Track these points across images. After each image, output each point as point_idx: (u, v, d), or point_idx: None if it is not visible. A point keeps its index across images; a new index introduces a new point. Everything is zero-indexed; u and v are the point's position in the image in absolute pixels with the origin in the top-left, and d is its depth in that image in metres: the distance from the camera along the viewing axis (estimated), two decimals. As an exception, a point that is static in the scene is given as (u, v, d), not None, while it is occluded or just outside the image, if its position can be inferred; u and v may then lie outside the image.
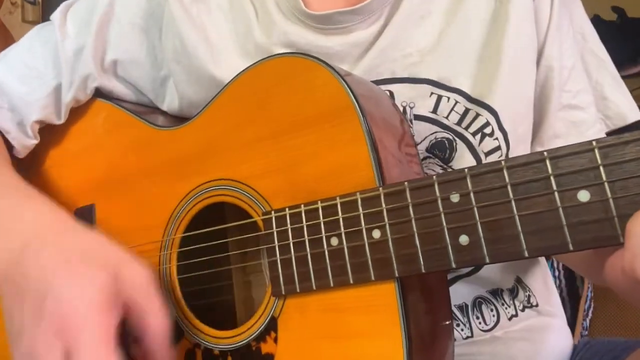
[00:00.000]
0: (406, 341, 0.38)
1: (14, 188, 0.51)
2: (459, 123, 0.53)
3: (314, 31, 0.54)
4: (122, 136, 0.58)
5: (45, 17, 1.59)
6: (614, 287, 0.34)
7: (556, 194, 0.34)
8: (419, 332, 0.40)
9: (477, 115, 0.53)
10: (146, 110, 0.61)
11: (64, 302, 0.38)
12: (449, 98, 0.52)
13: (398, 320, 0.39)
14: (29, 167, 0.63)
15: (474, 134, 0.53)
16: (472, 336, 0.54)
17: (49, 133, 0.62)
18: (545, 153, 0.34)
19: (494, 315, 0.55)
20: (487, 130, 0.53)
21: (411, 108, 0.53)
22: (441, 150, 0.53)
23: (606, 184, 0.32)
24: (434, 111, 0.53)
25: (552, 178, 0.34)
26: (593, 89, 0.58)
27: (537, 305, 0.58)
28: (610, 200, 0.32)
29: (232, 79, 0.51)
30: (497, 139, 0.53)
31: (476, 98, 0.53)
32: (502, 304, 0.56)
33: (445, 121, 0.53)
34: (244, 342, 0.47)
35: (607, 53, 0.60)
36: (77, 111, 0.61)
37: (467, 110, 0.53)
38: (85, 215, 0.59)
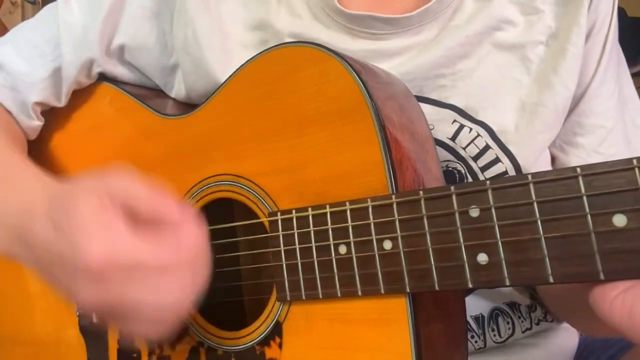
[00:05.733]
0: (416, 360, 0.36)
1: (11, 160, 0.50)
2: (475, 159, 0.50)
3: (340, 30, 0.51)
4: (126, 123, 0.55)
5: (44, 15, 1.53)
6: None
7: (589, 216, 0.30)
8: (430, 351, 0.37)
9: (497, 159, 0.50)
10: (152, 94, 0.58)
11: (83, 249, 0.35)
12: (471, 129, 0.50)
13: (408, 337, 0.37)
14: (33, 149, 0.61)
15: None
16: (484, 347, 0.52)
17: (53, 115, 0.60)
18: (578, 170, 0.31)
19: (509, 328, 0.53)
20: None
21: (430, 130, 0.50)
22: (450, 182, 0.50)
23: (647, 209, 0.29)
24: (453, 139, 0.50)
25: (584, 198, 0.30)
26: (631, 155, 0.54)
27: (552, 321, 0.55)
28: (651, 228, 0.29)
29: (240, 67, 0.47)
30: None
31: (500, 139, 0.50)
32: (519, 317, 0.53)
33: (461, 152, 0.50)
34: (248, 344, 0.45)
35: None
36: (81, 94, 0.59)
37: (487, 147, 0.50)
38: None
